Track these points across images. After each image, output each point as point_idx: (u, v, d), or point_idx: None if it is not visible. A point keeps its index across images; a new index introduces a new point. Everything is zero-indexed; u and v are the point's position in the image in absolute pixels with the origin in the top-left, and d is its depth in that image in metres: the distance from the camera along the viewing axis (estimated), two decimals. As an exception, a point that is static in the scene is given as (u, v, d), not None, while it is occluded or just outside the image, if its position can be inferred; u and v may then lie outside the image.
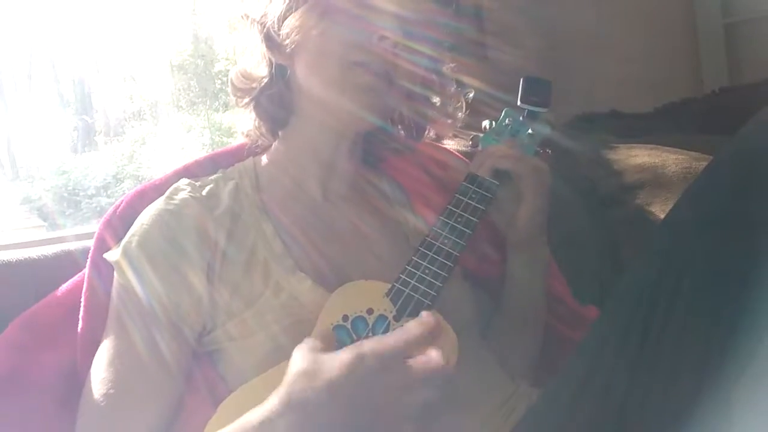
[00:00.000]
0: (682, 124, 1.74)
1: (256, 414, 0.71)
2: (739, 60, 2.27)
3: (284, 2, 0.89)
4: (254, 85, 0.94)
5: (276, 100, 0.94)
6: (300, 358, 0.73)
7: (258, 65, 0.93)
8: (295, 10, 0.88)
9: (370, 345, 0.71)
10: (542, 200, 0.92)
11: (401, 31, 0.87)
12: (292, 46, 0.88)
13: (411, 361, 0.71)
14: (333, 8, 0.87)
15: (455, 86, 1.00)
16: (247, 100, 0.95)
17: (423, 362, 0.71)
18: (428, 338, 0.74)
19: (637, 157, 1.45)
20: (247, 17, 0.92)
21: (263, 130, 0.96)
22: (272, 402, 0.71)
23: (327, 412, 0.69)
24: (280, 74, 0.93)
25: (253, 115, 0.95)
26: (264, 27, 0.90)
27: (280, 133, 0.96)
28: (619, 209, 1.38)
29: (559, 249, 1.05)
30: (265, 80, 0.93)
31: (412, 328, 0.74)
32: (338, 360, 0.70)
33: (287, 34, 0.88)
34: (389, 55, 0.87)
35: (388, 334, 0.75)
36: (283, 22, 0.89)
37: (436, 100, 0.98)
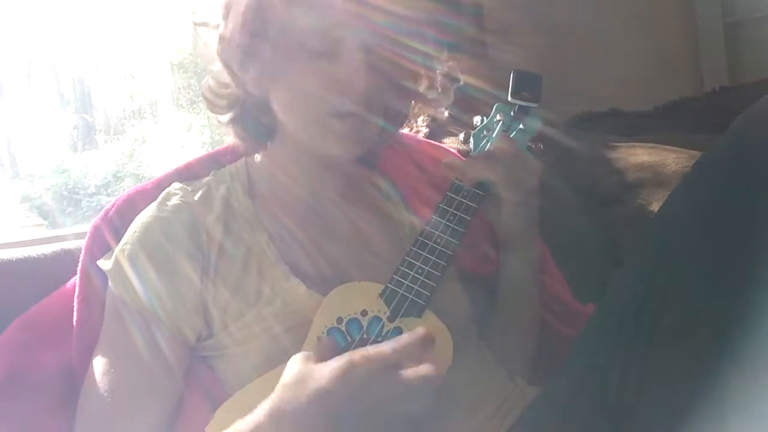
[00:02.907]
0: (682, 124, 1.74)
1: (245, 424, 0.71)
2: (739, 60, 2.26)
3: (241, 37, 0.83)
4: (227, 102, 0.90)
5: (254, 122, 0.90)
6: (292, 367, 0.72)
7: (228, 86, 0.88)
8: (254, 54, 0.83)
9: (360, 353, 0.69)
10: (522, 197, 0.91)
11: (372, 62, 0.83)
12: (260, 89, 0.86)
13: (402, 371, 0.69)
14: (296, 55, 0.83)
15: (440, 77, 0.96)
16: (226, 117, 0.91)
17: (413, 372, 0.69)
18: (421, 348, 0.72)
19: (637, 156, 1.45)
20: (208, 45, 0.87)
21: (248, 146, 0.93)
22: (260, 412, 0.70)
23: (313, 421, 0.67)
24: (254, 100, 0.88)
25: (235, 129, 0.92)
26: (225, 58, 0.86)
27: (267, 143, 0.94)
28: (619, 208, 1.37)
29: (559, 248, 1.05)
30: (239, 103, 0.89)
31: (403, 338, 0.72)
32: (327, 369, 0.68)
33: (254, 79, 0.85)
34: (365, 84, 0.82)
35: (381, 343, 0.73)
36: (242, 63, 0.84)
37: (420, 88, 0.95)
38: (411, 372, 0.69)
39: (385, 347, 0.70)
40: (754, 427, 0.66)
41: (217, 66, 0.88)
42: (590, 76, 1.92)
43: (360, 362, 0.68)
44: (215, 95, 0.91)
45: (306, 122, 0.86)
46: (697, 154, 1.42)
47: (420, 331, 0.73)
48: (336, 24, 0.81)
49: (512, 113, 0.95)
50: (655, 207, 1.33)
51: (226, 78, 0.88)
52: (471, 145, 0.97)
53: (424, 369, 0.69)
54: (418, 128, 1.39)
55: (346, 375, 0.67)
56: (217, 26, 0.86)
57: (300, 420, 0.68)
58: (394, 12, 0.83)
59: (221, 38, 0.85)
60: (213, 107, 0.91)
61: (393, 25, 0.84)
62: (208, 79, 0.91)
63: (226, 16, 0.85)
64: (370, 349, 0.70)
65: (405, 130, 1.08)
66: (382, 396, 0.68)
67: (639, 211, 1.34)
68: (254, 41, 0.83)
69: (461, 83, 1.03)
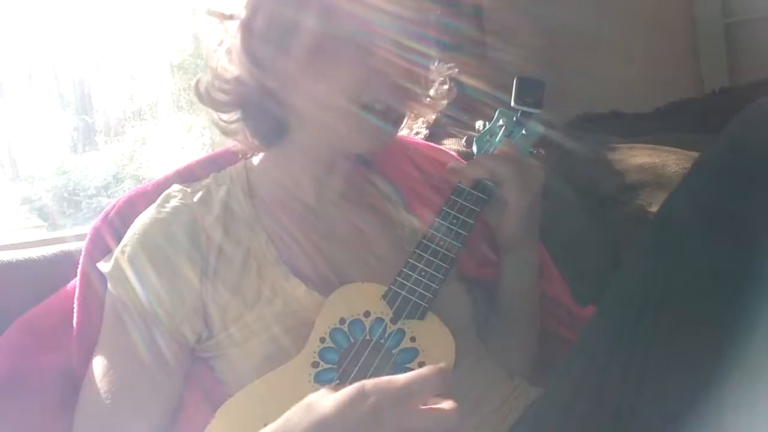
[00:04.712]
0: (682, 124, 1.74)
1: None
2: (739, 60, 2.26)
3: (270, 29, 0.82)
4: (231, 98, 0.87)
5: (267, 119, 0.89)
6: (309, 395, 0.69)
7: (237, 82, 0.86)
8: (288, 47, 0.82)
9: (374, 382, 0.65)
10: (530, 202, 0.91)
11: (399, 59, 0.84)
12: (287, 83, 0.85)
13: (417, 406, 0.64)
14: (334, 48, 0.83)
15: (445, 82, 0.97)
16: (230, 116, 0.89)
17: (430, 409, 0.64)
18: (441, 384, 0.66)
19: (638, 157, 1.45)
20: (226, 29, 0.85)
21: (255, 144, 0.92)
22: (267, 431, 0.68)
23: None
24: (269, 96, 0.87)
25: (242, 129, 0.90)
26: (253, 50, 0.83)
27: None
28: (620, 209, 1.37)
29: (559, 250, 1.05)
30: (250, 99, 0.87)
31: (424, 371, 0.66)
32: (336, 396, 0.65)
33: (281, 73, 0.84)
34: (392, 88, 0.85)
35: (399, 376, 0.66)
36: (273, 55, 0.83)
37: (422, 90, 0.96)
38: (428, 408, 0.64)
39: (400, 379, 0.65)
40: (753, 426, 0.66)
41: (221, 61, 0.86)
42: (590, 77, 1.92)
43: (371, 392, 0.64)
44: (219, 91, 0.88)
45: (336, 116, 0.85)
46: (697, 155, 1.42)
47: (439, 365, 0.68)
48: (374, 15, 0.82)
49: (515, 119, 0.96)
50: (656, 208, 1.33)
51: (231, 73, 0.86)
52: (474, 149, 0.97)
53: (445, 407, 0.64)
54: (417, 129, 1.39)
55: (353, 404, 0.64)
56: (242, 16, 0.83)
57: None
58: (396, 13, 0.83)
59: (249, 29, 0.83)
60: (214, 104, 0.88)
61: (395, 26, 0.84)
62: (205, 76, 0.89)
63: (256, 7, 0.83)
64: (383, 380, 0.66)
65: (404, 132, 1.08)
66: (392, 428, 0.64)
67: (639, 213, 1.34)
68: (289, 33, 0.82)
69: (461, 84, 1.03)
